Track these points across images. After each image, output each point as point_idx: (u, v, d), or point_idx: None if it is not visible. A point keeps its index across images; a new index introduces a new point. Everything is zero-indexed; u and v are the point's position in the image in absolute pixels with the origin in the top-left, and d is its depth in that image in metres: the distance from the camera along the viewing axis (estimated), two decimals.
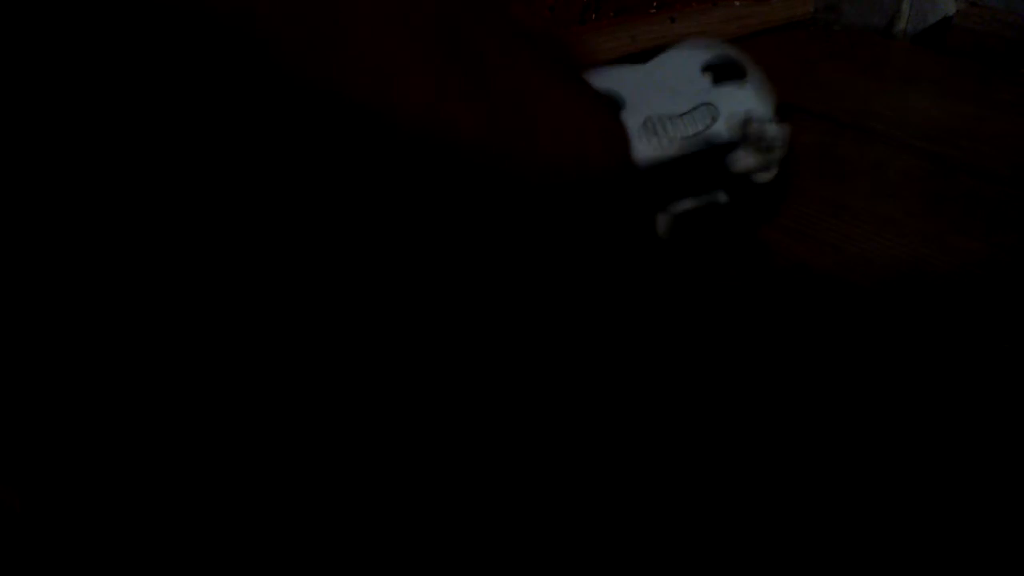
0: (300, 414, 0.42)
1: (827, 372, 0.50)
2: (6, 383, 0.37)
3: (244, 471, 0.40)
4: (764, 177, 0.56)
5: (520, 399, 0.44)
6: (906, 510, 0.41)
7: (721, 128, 0.54)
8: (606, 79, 0.54)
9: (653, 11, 0.96)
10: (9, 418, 0.39)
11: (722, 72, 0.57)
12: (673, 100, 0.54)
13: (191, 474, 0.40)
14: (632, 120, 0.52)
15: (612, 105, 0.53)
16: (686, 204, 0.54)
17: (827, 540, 0.39)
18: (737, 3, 1.05)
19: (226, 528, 0.37)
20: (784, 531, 0.40)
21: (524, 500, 0.39)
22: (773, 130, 0.54)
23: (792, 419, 0.46)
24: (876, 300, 0.57)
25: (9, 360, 0.35)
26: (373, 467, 0.40)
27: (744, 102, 0.55)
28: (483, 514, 0.39)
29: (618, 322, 0.51)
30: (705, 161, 0.53)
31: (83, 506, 0.38)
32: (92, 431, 0.41)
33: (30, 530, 0.37)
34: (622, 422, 0.44)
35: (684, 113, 0.54)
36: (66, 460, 0.40)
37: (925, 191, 0.74)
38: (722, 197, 0.55)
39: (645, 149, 0.52)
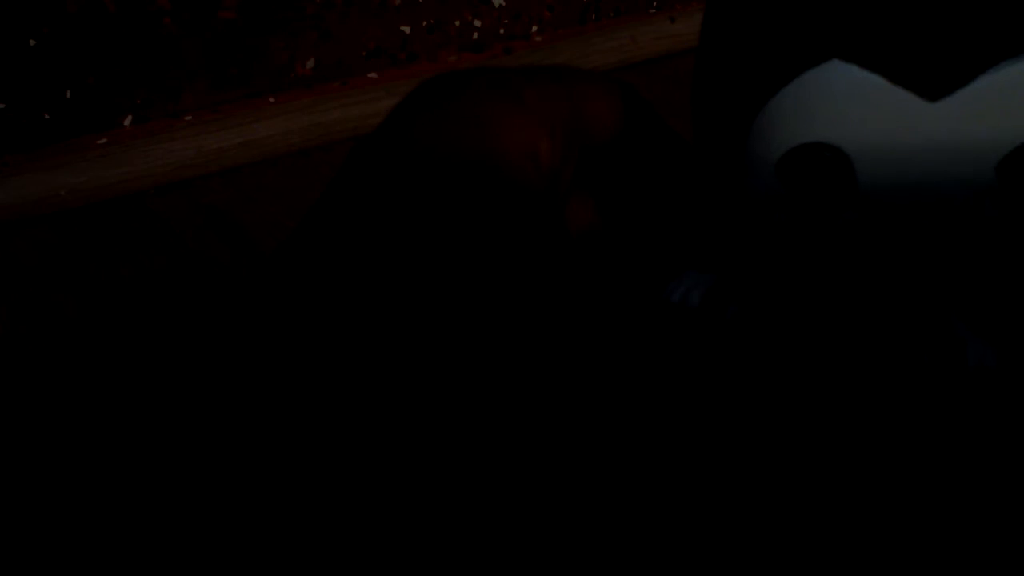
0: (299, 414, 0.42)
1: (821, 373, 0.50)
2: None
3: (244, 471, 0.40)
4: None
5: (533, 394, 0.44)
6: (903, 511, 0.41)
7: None
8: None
9: (653, 11, 0.96)
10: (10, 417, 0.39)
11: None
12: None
13: (191, 474, 0.40)
14: None
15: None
16: None
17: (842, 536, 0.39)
18: None
19: (226, 528, 0.37)
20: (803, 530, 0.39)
21: (524, 500, 0.39)
22: None
23: (788, 417, 0.46)
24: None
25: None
26: (373, 467, 0.40)
27: None
28: (483, 514, 0.39)
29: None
30: None
31: (83, 506, 0.38)
32: (92, 431, 0.41)
33: (30, 529, 0.37)
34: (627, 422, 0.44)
35: None
36: (66, 460, 0.40)
37: None
38: None
39: None
